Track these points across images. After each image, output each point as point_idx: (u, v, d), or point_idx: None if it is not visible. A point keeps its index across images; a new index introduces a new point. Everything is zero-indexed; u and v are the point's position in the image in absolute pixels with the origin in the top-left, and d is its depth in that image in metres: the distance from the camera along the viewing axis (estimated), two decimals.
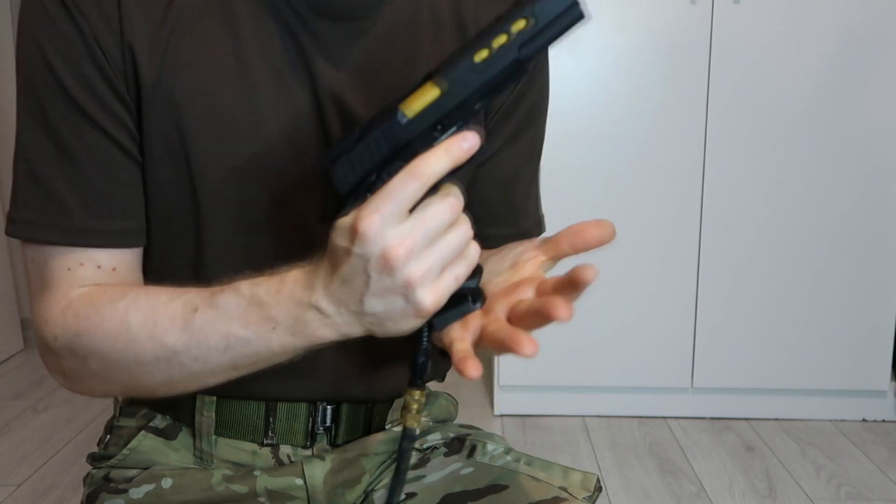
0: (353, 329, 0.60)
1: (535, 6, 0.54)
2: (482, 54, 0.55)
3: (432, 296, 0.56)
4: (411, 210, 0.55)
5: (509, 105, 0.81)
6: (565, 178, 2.20)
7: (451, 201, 0.56)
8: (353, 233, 0.54)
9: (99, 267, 0.69)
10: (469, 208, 0.84)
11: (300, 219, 0.72)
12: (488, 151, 0.82)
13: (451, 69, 0.55)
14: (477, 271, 0.60)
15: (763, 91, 2.16)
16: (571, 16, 0.54)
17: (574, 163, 2.20)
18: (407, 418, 0.64)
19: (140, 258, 0.73)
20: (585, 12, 0.54)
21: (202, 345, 0.63)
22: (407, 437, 0.65)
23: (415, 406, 0.64)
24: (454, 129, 0.56)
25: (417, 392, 0.64)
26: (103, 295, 0.67)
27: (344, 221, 0.56)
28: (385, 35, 0.75)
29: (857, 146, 2.18)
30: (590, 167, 2.20)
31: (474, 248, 0.58)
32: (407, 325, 0.59)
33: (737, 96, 2.16)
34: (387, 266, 0.55)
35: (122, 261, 0.70)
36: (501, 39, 0.54)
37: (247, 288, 0.62)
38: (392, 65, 0.75)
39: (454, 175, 0.57)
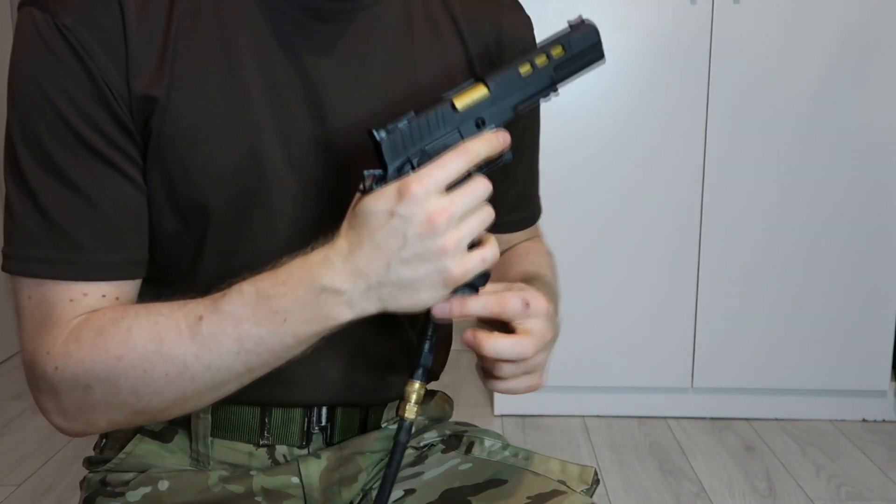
0: (368, 304, 0.61)
1: (570, 38, 0.69)
2: (526, 68, 0.67)
3: (461, 267, 0.60)
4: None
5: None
6: (566, 178, 2.20)
7: (486, 182, 0.62)
8: (402, 194, 0.58)
9: (103, 296, 0.68)
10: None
11: (300, 233, 0.72)
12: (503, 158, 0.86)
13: (499, 76, 0.66)
14: (488, 274, 0.65)
15: (763, 91, 2.15)
16: (595, 52, 0.70)
17: (574, 163, 2.20)
18: (405, 409, 0.66)
19: (139, 288, 0.72)
20: (604, 55, 0.70)
21: (213, 351, 0.62)
22: (403, 428, 0.66)
23: (413, 397, 0.66)
24: (492, 126, 0.66)
25: (418, 383, 0.66)
26: (103, 317, 0.66)
27: (388, 187, 0.59)
28: (382, 34, 0.75)
29: (857, 146, 2.17)
30: (590, 167, 2.20)
31: (496, 243, 0.63)
32: (427, 295, 0.60)
33: (737, 96, 2.16)
34: (428, 230, 0.58)
35: (125, 291, 0.69)
36: (542, 59, 0.67)
37: (249, 286, 0.62)
38: (390, 64, 0.75)
39: (483, 170, 0.64)
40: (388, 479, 0.66)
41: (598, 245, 2.24)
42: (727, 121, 2.17)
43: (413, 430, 0.68)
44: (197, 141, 0.68)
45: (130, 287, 0.70)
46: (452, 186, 0.61)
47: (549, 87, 0.68)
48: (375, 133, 0.62)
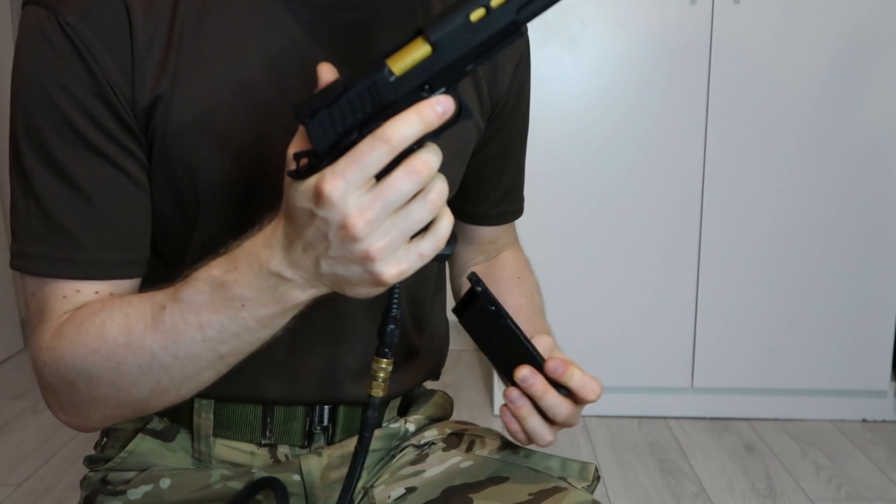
0: (319, 288, 0.59)
1: None
2: (478, 13, 0.52)
3: (394, 269, 0.55)
4: (384, 172, 0.53)
5: (511, 110, 0.86)
6: (566, 178, 2.20)
7: (418, 168, 0.53)
8: (318, 196, 0.53)
9: (96, 293, 0.68)
10: (475, 192, 0.91)
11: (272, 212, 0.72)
12: (494, 146, 0.88)
13: (444, 27, 0.52)
14: (451, 240, 0.58)
15: (763, 91, 2.16)
16: None
17: (574, 163, 2.20)
18: (371, 386, 0.65)
19: (138, 286, 0.72)
20: None
21: (178, 341, 0.62)
22: (371, 405, 0.65)
23: (381, 375, 0.65)
24: (442, 90, 0.53)
25: (384, 361, 0.65)
26: (84, 311, 0.66)
27: (308, 183, 0.54)
28: (385, 30, 0.75)
29: (856, 146, 2.18)
30: (590, 167, 2.20)
31: (445, 222, 0.57)
32: (365, 290, 0.58)
33: (737, 96, 2.16)
34: (347, 236, 0.53)
35: (121, 288, 0.70)
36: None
37: (203, 273, 0.61)
38: None
39: (437, 136, 0.54)
40: (358, 455, 0.65)
41: (598, 245, 2.24)
42: (727, 121, 2.17)
43: (379, 407, 0.68)
44: (201, 136, 0.68)
45: (128, 285, 0.70)
46: (403, 156, 0.53)
47: (511, 31, 0.53)
48: (301, 116, 0.53)
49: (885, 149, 2.18)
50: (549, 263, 2.24)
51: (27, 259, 0.67)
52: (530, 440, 0.75)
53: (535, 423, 0.73)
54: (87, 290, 0.68)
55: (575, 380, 0.73)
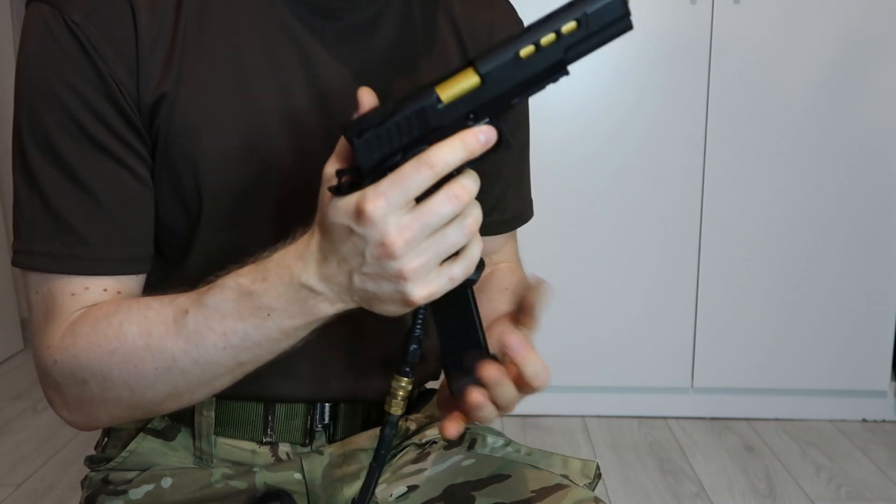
0: (347, 303, 0.60)
1: (588, 10, 0.54)
2: (528, 50, 0.55)
3: (424, 290, 0.56)
4: (424, 195, 0.55)
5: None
6: (566, 179, 2.20)
7: (458, 193, 0.55)
8: (359, 213, 0.54)
9: (105, 290, 0.68)
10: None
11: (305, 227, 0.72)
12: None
13: (494, 60, 0.55)
14: (479, 266, 0.59)
15: (763, 91, 2.16)
16: (621, 25, 0.55)
17: (575, 163, 2.20)
18: (391, 404, 0.67)
19: (143, 282, 0.72)
20: (632, 24, 0.55)
21: (200, 346, 0.62)
22: (388, 423, 0.67)
23: (400, 393, 0.66)
24: (487, 120, 0.56)
25: (405, 380, 0.66)
26: (98, 311, 0.66)
27: (349, 200, 0.55)
28: (385, 32, 0.75)
29: (856, 146, 2.18)
30: (590, 167, 2.20)
31: (476, 247, 0.58)
32: (393, 308, 0.59)
33: (737, 96, 2.16)
34: (384, 254, 0.55)
35: (127, 285, 0.70)
36: (550, 38, 0.55)
37: (231, 281, 0.62)
38: (393, 61, 0.76)
39: (476, 164, 0.56)
40: (373, 472, 0.67)
41: (598, 245, 2.24)
42: (727, 120, 2.17)
43: (398, 425, 0.69)
44: (203, 134, 0.69)
45: (133, 282, 0.70)
46: (444, 181, 0.55)
47: (558, 71, 0.56)
48: (349, 135, 0.55)
49: (885, 149, 2.18)
50: (548, 263, 2.24)
51: (32, 256, 0.67)
52: (474, 414, 0.64)
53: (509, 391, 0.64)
54: (95, 287, 0.68)
55: (530, 367, 0.63)
